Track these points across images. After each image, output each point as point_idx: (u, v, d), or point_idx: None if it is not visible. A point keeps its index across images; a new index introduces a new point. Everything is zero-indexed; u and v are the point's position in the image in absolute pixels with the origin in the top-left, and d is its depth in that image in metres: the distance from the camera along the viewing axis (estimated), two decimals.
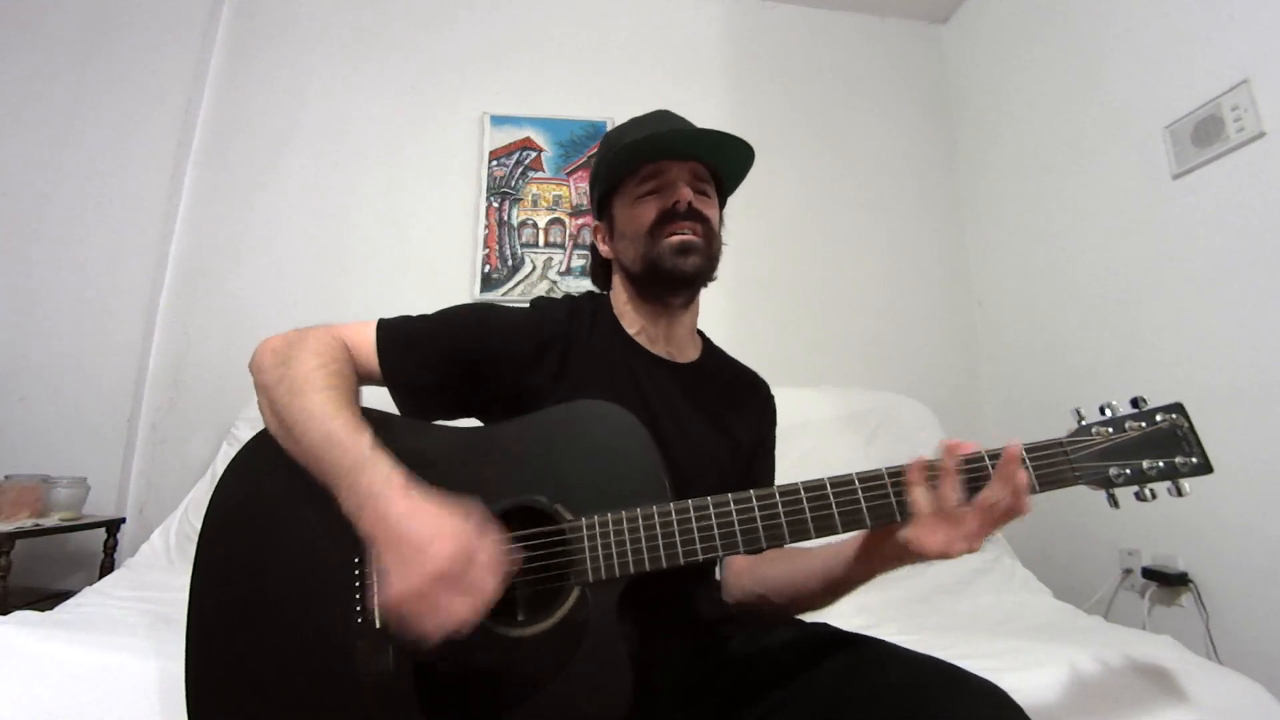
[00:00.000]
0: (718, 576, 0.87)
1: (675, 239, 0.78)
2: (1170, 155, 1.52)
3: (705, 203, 0.81)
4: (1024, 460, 0.59)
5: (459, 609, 0.52)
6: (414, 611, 0.53)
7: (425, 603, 0.52)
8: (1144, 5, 1.62)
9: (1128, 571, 1.57)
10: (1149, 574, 1.49)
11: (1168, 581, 1.45)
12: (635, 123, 0.85)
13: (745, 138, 0.79)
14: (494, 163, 2.13)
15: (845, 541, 0.67)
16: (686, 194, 0.78)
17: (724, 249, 0.86)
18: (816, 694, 0.60)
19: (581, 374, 0.78)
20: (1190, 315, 1.47)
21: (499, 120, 2.16)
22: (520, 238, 2.10)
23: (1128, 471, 0.60)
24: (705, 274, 0.81)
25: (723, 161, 0.83)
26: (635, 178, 0.81)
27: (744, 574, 0.79)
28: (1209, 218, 1.44)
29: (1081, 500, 1.77)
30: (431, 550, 0.53)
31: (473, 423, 0.77)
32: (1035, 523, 1.84)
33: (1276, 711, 0.81)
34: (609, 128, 2.15)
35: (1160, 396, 0.64)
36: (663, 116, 0.85)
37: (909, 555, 0.59)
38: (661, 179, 0.80)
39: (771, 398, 0.93)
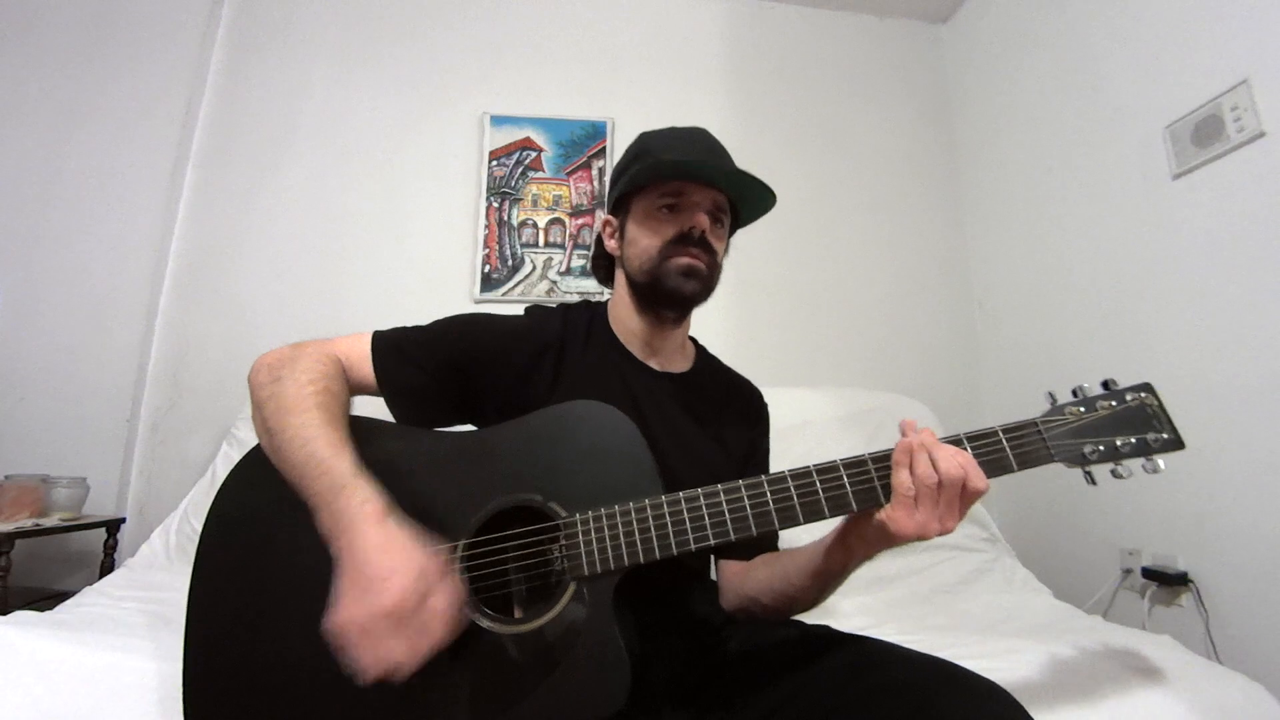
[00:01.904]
0: (713, 577, 0.88)
1: (683, 261, 0.79)
2: (1170, 155, 1.52)
3: (717, 234, 0.83)
4: (963, 443, 0.61)
5: (398, 651, 0.52)
6: (354, 643, 0.52)
7: (368, 637, 0.52)
8: (1144, 5, 1.62)
9: (1128, 571, 1.57)
10: (1149, 574, 1.49)
11: (1168, 581, 1.44)
12: (673, 135, 0.86)
13: (746, 138, 0.80)
14: (494, 163, 2.13)
15: (827, 532, 0.67)
16: (704, 222, 0.80)
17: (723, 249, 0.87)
18: (816, 693, 0.61)
19: (575, 381, 0.80)
20: (1190, 315, 1.47)
21: (499, 120, 2.16)
22: (520, 238, 2.10)
23: (1101, 448, 0.62)
24: (701, 298, 0.83)
25: (744, 201, 0.85)
26: (658, 190, 0.82)
27: (734, 580, 0.80)
28: (1209, 218, 1.44)
29: (1081, 500, 1.77)
30: (386, 585, 0.52)
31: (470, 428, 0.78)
32: (1035, 523, 1.86)
33: (1276, 711, 0.81)
34: (609, 128, 2.18)
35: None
36: (701, 137, 0.86)
37: (886, 538, 0.59)
38: (683, 199, 0.81)
39: (764, 406, 0.94)
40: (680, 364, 0.90)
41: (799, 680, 0.63)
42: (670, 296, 0.81)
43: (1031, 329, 2.00)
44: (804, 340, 2.15)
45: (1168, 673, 0.83)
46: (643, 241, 0.82)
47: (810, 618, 0.76)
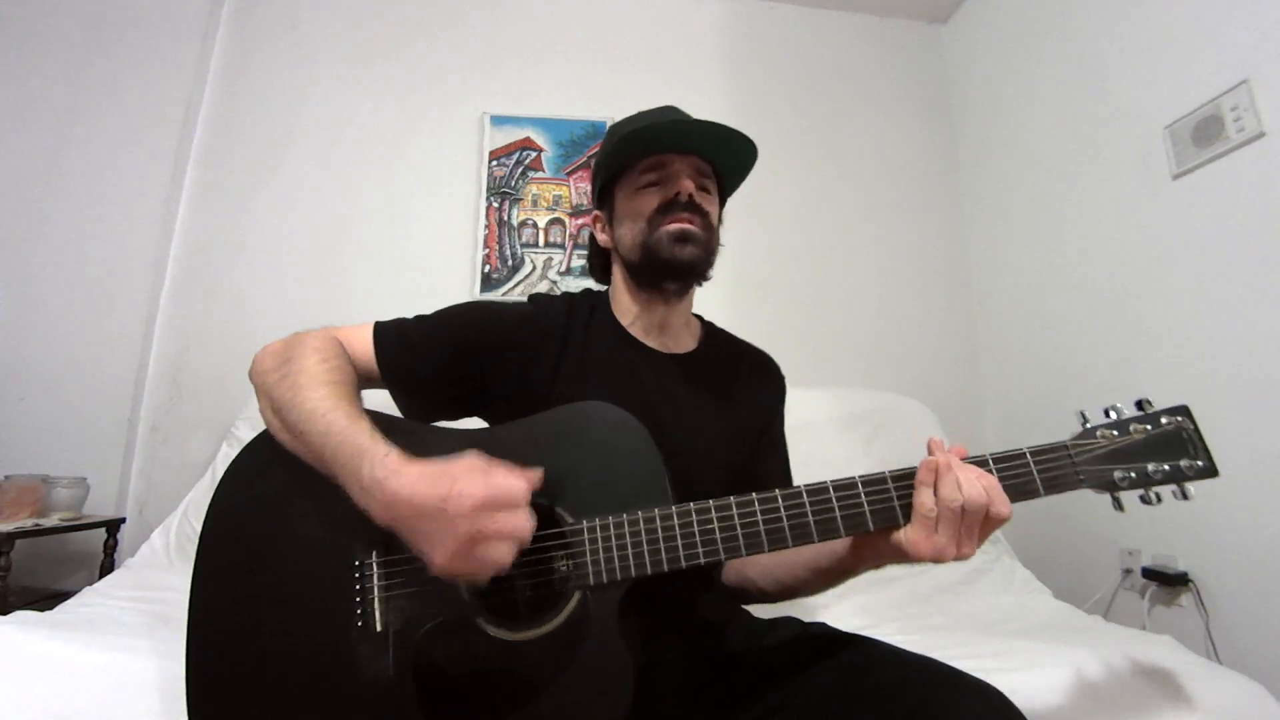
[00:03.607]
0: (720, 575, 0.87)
1: (674, 227, 0.78)
2: (1170, 155, 1.52)
3: (706, 198, 0.82)
4: (989, 465, 0.59)
5: (508, 526, 0.52)
6: (470, 564, 0.52)
7: (476, 550, 0.52)
8: (1144, 5, 1.62)
9: (1128, 571, 1.57)
10: (1149, 574, 1.49)
11: (1168, 581, 1.44)
12: (641, 116, 0.85)
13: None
14: (494, 163, 2.13)
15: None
16: (688, 185, 0.79)
17: (723, 248, 0.86)
18: (815, 695, 0.61)
19: (580, 369, 0.79)
20: (1190, 315, 1.47)
21: (499, 120, 2.16)
22: (520, 238, 2.10)
23: (1132, 475, 0.59)
24: (701, 266, 0.81)
25: (726, 158, 0.83)
26: (637, 168, 0.82)
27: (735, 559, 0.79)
28: (1209, 218, 1.44)
29: (1082, 500, 1.76)
30: (452, 505, 0.52)
31: (476, 423, 0.77)
32: (1035, 523, 1.85)
33: (1276, 711, 0.81)
34: (609, 128, 2.17)
35: (1160, 397, 0.64)
36: (669, 112, 0.85)
37: (900, 556, 0.59)
38: (664, 171, 0.81)
39: (780, 377, 0.94)
40: (686, 343, 0.88)
41: (797, 683, 0.63)
42: (667, 267, 0.79)
43: (1031, 329, 2.00)
44: (804, 340, 2.15)
45: (1168, 673, 0.83)
46: (631, 219, 0.82)
47: (809, 615, 0.76)
